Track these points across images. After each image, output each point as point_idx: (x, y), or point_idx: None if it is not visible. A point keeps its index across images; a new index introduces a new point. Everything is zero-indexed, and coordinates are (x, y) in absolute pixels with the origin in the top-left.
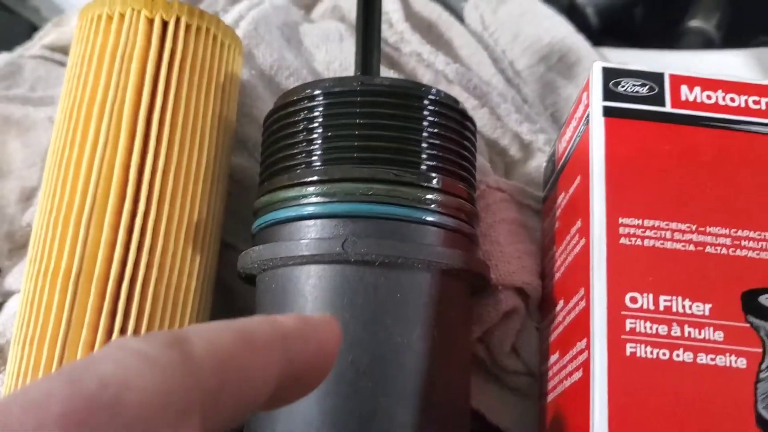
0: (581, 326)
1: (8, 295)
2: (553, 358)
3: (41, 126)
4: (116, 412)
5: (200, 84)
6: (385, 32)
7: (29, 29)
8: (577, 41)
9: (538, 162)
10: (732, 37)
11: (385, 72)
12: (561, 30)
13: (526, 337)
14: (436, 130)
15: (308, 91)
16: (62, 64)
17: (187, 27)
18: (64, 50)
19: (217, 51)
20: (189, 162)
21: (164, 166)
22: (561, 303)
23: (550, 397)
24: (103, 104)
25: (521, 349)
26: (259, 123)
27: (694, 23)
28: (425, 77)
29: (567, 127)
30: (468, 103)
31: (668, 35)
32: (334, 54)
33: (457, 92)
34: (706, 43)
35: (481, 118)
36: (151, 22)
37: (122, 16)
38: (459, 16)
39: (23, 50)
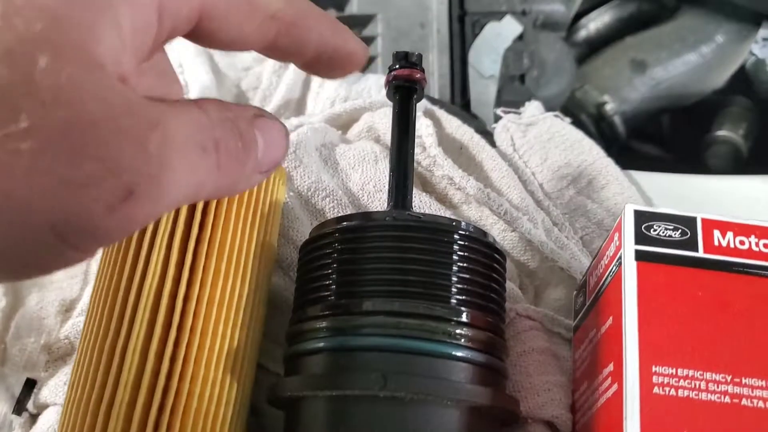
0: None
1: (43, 407)
2: None
3: None
4: None
5: (246, 215)
6: (419, 155)
7: None
8: (606, 164)
9: (568, 288)
10: (758, 147)
11: (418, 193)
12: (591, 154)
13: None
14: (465, 264)
15: (343, 224)
16: None
17: None
18: None
19: (262, 182)
20: (232, 291)
21: (203, 294)
22: None
23: None
24: (153, 235)
25: None
26: (296, 244)
27: (722, 132)
28: (455, 198)
29: (599, 261)
30: (498, 226)
31: (696, 143)
32: (369, 175)
33: (486, 215)
34: (734, 151)
35: (510, 241)
36: None
37: None
38: (490, 138)
39: None
